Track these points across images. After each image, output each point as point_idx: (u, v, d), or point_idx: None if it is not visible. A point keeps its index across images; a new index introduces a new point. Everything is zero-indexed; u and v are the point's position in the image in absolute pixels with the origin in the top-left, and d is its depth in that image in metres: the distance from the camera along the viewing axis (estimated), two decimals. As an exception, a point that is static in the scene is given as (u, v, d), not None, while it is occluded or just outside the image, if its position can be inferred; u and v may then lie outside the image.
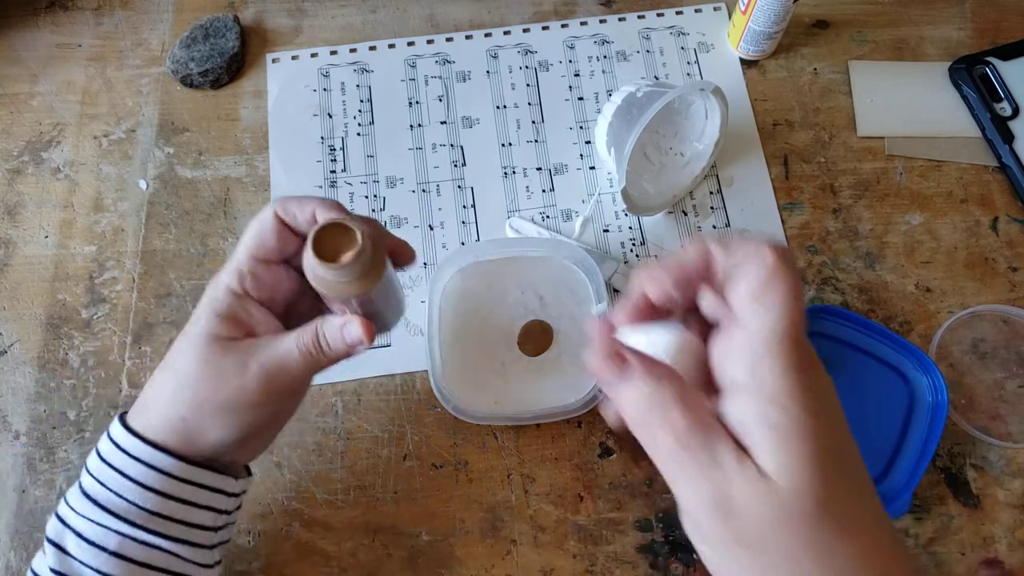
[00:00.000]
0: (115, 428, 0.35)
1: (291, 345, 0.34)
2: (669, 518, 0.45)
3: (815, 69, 0.58)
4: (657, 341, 0.29)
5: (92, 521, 0.34)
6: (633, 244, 0.52)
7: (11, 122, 0.57)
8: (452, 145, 0.56)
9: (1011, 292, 0.51)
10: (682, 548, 0.45)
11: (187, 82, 0.57)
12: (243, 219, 0.53)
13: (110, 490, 0.34)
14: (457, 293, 0.50)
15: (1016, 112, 0.54)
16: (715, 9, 0.60)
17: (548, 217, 0.53)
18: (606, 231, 0.53)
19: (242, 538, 0.45)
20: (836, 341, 0.48)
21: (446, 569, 0.45)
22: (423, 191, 0.54)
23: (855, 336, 0.48)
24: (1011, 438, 0.47)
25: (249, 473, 0.40)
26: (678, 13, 0.60)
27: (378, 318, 0.37)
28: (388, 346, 0.50)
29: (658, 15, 0.60)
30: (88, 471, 0.35)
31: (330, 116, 0.57)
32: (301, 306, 0.37)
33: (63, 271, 0.52)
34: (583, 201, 0.54)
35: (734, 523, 0.26)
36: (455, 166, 0.55)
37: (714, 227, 0.53)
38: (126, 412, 0.36)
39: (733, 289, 0.28)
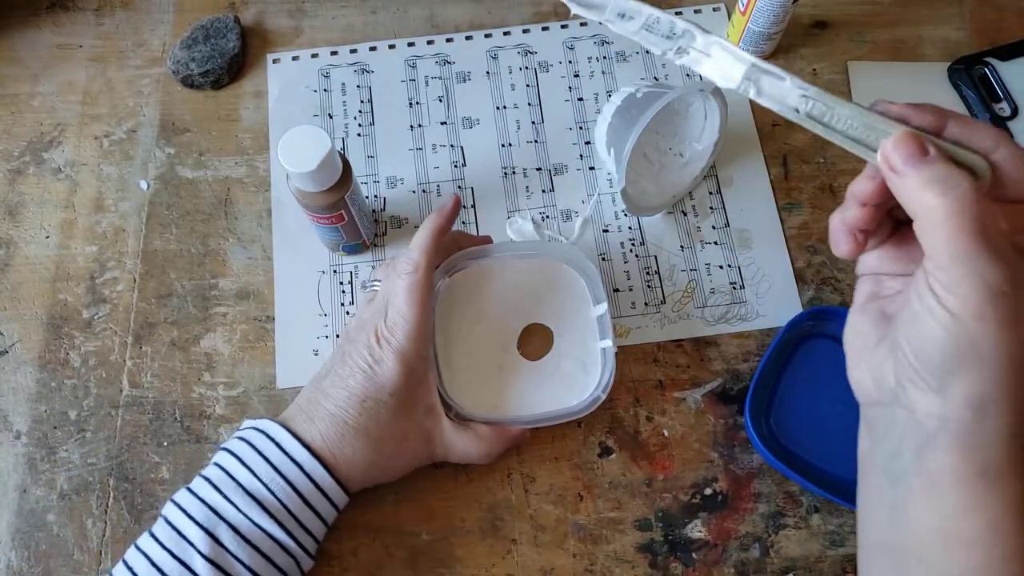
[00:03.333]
0: (286, 439, 0.40)
1: (468, 449, 0.44)
2: (668, 517, 0.46)
3: (814, 70, 0.58)
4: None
5: (251, 520, 0.38)
6: (633, 244, 0.53)
7: (12, 122, 0.57)
8: (452, 146, 0.56)
9: (1010, 292, 0.51)
10: (681, 547, 0.45)
11: (188, 82, 0.57)
12: (244, 219, 0.54)
13: (275, 495, 0.39)
14: (454, 296, 0.49)
15: (1015, 112, 0.54)
16: (714, 10, 0.60)
17: (548, 217, 0.53)
18: (606, 231, 0.53)
19: (243, 537, 0.45)
20: (836, 341, 0.48)
21: (446, 568, 0.45)
22: (423, 191, 0.54)
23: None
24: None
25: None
26: (677, 14, 0.60)
27: (354, 229, 0.49)
28: (388, 346, 0.50)
29: (658, 16, 0.60)
30: (254, 473, 0.39)
31: (331, 116, 0.57)
32: None
33: (64, 271, 0.52)
34: (583, 201, 0.54)
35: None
36: (455, 166, 0.55)
37: (713, 227, 0.53)
38: (275, 418, 0.42)
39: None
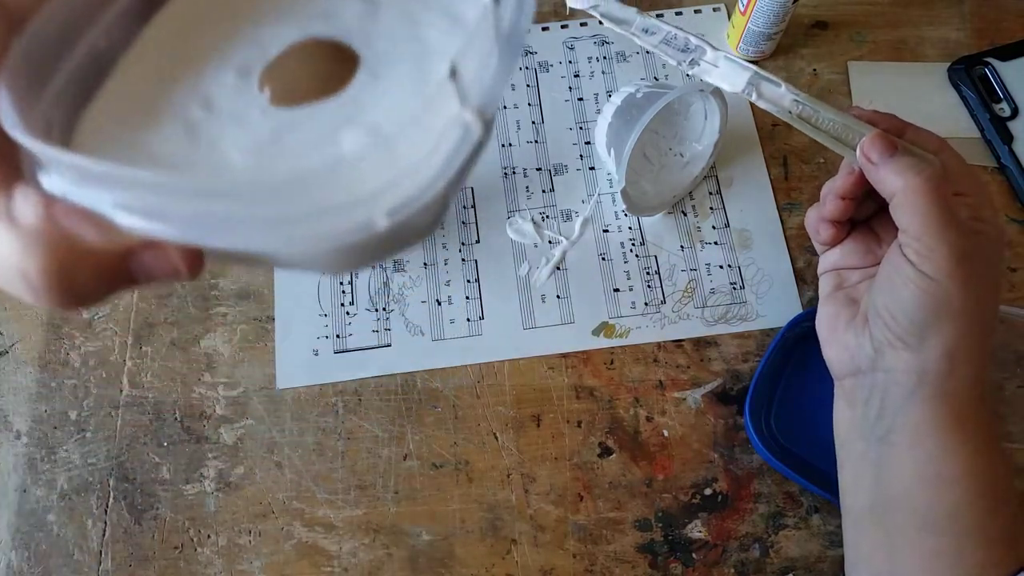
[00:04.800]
0: None
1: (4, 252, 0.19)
2: (668, 517, 0.46)
3: (814, 70, 0.58)
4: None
5: None
6: (633, 244, 0.53)
7: (12, 123, 0.57)
8: (452, 146, 0.56)
9: (1010, 292, 0.51)
10: (681, 547, 0.45)
11: (188, 83, 0.57)
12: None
13: None
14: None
15: (1015, 113, 0.54)
16: (714, 10, 0.60)
17: (548, 217, 0.53)
18: (606, 231, 0.53)
19: (243, 537, 0.45)
20: (835, 341, 0.48)
21: (446, 569, 0.45)
22: (423, 191, 0.54)
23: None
24: (1010, 438, 0.47)
25: None
26: (677, 14, 0.60)
27: None
28: (388, 346, 0.50)
29: (657, 16, 0.60)
30: None
31: (330, 116, 0.57)
32: None
33: (64, 271, 0.52)
34: (583, 201, 0.54)
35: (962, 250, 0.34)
36: (455, 166, 0.55)
37: (713, 227, 0.53)
38: None
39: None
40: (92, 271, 0.19)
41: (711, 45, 0.40)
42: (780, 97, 0.38)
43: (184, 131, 0.22)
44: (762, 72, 0.39)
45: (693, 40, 0.40)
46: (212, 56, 0.24)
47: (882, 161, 0.35)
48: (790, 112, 0.38)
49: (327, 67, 0.24)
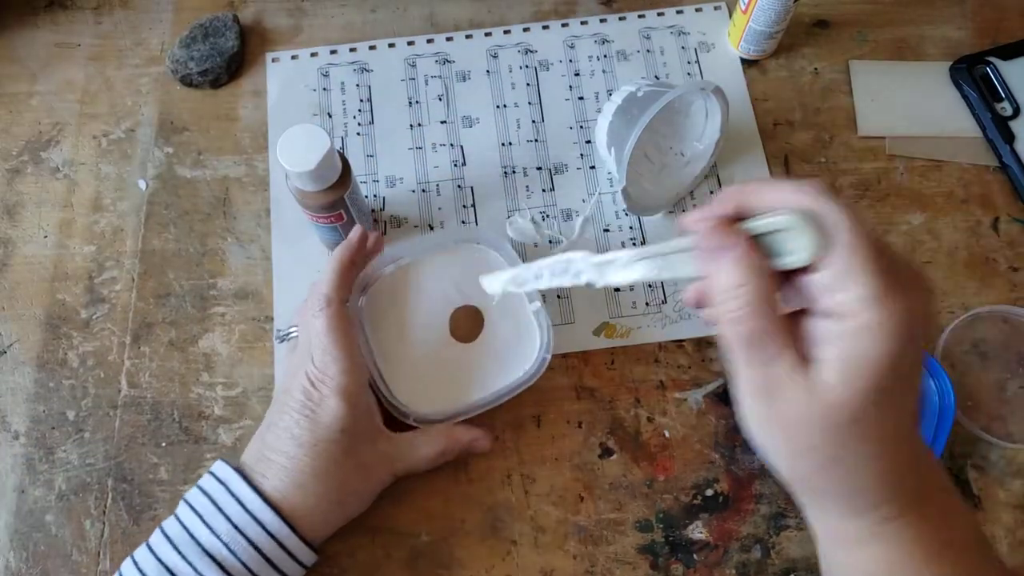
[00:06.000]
0: (248, 494, 0.39)
1: (426, 454, 0.43)
2: (669, 518, 0.45)
3: (816, 69, 0.58)
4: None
5: None
6: (634, 244, 0.52)
7: (10, 122, 0.57)
8: (452, 145, 0.56)
9: (1012, 292, 0.51)
10: (682, 548, 0.45)
11: (186, 81, 0.57)
12: (242, 219, 0.53)
13: (236, 556, 0.37)
14: (377, 309, 0.48)
15: (1017, 112, 0.54)
16: (715, 8, 0.60)
17: (548, 217, 0.53)
18: (606, 231, 0.53)
19: (242, 538, 0.45)
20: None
21: (446, 570, 0.45)
22: (423, 191, 0.54)
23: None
24: (1011, 438, 0.47)
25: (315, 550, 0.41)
26: (679, 12, 0.60)
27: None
28: (388, 346, 0.50)
29: (658, 14, 0.60)
30: (214, 531, 0.38)
31: (330, 116, 0.57)
32: None
33: (62, 271, 0.52)
34: (583, 201, 0.54)
35: (775, 408, 0.29)
36: (455, 166, 0.55)
37: (714, 227, 0.53)
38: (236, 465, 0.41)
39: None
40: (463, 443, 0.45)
41: (584, 254, 0.34)
42: (626, 271, 0.32)
43: (445, 373, 0.48)
44: (593, 257, 0.33)
45: (563, 257, 0.35)
46: (424, 340, 0.48)
47: (717, 316, 0.29)
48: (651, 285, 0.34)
49: (472, 319, 0.49)
